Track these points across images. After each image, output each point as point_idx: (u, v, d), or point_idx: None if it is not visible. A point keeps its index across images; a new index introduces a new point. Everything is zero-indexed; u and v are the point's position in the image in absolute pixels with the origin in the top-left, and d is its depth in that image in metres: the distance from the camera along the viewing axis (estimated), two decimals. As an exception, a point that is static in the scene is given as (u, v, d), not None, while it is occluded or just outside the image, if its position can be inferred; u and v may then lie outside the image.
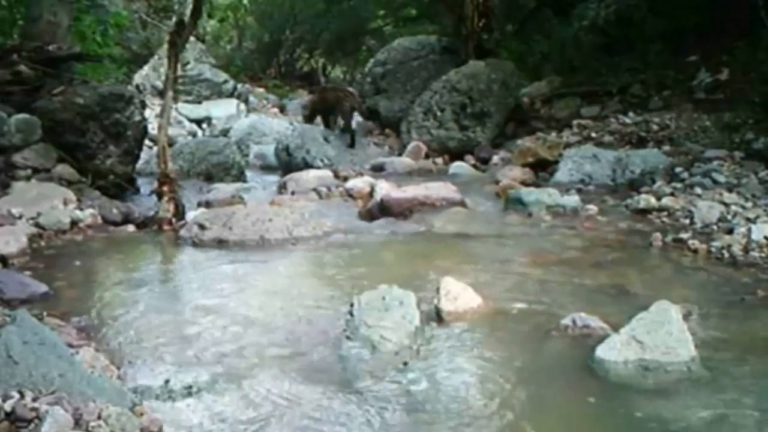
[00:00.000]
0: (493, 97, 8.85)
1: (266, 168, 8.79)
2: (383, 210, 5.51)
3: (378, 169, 7.76)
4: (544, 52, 10.28)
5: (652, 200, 5.51)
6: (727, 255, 4.33)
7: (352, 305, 3.23)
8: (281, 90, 16.88)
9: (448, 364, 2.93)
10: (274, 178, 7.89)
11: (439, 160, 8.43)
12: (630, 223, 5.23)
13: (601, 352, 2.88)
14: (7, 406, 2.13)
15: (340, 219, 5.47)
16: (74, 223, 5.13)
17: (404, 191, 5.70)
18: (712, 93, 8.25)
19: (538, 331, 3.24)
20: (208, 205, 5.95)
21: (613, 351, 2.87)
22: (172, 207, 5.32)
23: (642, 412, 2.56)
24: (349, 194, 6.39)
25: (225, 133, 10.57)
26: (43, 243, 4.77)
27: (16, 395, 2.18)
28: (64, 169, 6.04)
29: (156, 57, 13.03)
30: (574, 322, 3.20)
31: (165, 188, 5.35)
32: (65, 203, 5.34)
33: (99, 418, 2.17)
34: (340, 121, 8.66)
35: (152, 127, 7.84)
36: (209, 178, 7.64)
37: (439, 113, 8.89)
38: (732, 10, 8.00)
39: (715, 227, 4.87)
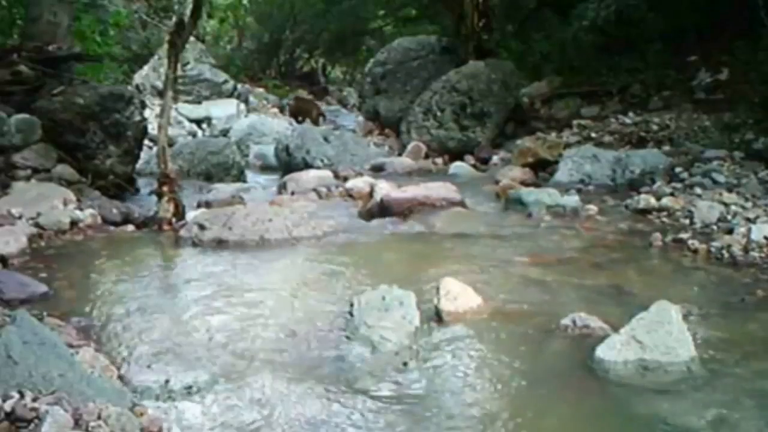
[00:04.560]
0: (493, 97, 8.85)
1: (266, 168, 8.79)
2: (383, 210, 5.51)
3: (378, 169, 7.76)
4: (544, 52, 10.30)
5: (652, 200, 5.51)
6: (727, 255, 4.33)
7: (352, 305, 3.23)
8: (281, 90, 16.88)
9: (448, 365, 2.93)
10: (274, 178, 7.89)
11: (439, 160, 8.43)
12: (630, 223, 5.22)
13: (601, 352, 2.88)
14: (7, 406, 2.13)
15: (340, 219, 5.46)
16: (74, 223, 5.11)
17: (404, 191, 5.69)
18: (712, 93, 8.26)
19: (538, 331, 3.24)
20: (208, 205, 5.95)
21: (613, 351, 2.87)
22: (172, 207, 5.31)
23: (642, 412, 2.56)
24: (349, 194, 6.38)
25: (225, 133, 10.58)
26: (43, 243, 4.76)
27: (16, 395, 2.18)
28: (64, 169, 6.04)
29: (156, 57, 13.03)
30: (574, 322, 3.20)
31: (165, 188, 5.34)
32: (65, 203, 5.34)
33: (99, 418, 2.17)
34: None
35: (152, 127, 7.84)
36: (209, 178, 7.64)
37: (439, 113, 8.90)
38: (732, 10, 8.00)
39: (714, 227, 4.87)
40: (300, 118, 11.92)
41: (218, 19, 18.90)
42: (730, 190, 5.47)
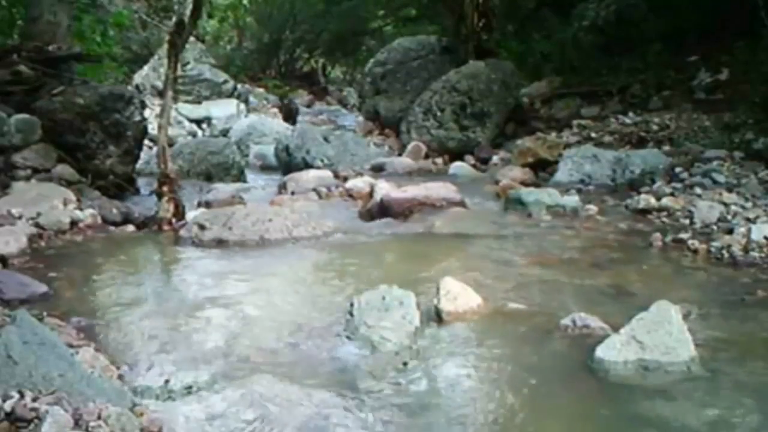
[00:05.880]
0: (493, 97, 8.85)
1: (266, 168, 8.79)
2: (383, 210, 5.51)
3: (378, 169, 7.76)
4: (544, 52, 10.32)
5: (652, 200, 5.51)
6: (727, 255, 4.33)
7: (352, 305, 3.22)
8: (281, 90, 16.90)
9: (448, 365, 2.93)
10: (274, 178, 7.89)
11: (439, 160, 8.44)
12: (630, 223, 5.23)
13: (600, 352, 2.88)
14: (7, 406, 2.13)
15: (340, 219, 5.47)
16: (74, 223, 5.12)
17: (404, 191, 5.69)
18: (712, 93, 8.27)
19: (538, 331, 3.24)
20: (208, 205, 5.95)
21: (613, 351, 2.87)
22: (172, 207, 5.31)
23: (642, 412, 2.55)
24: (349, 194, 6.39)
25: (225, 133, 10.57)
26: (43, 243, 4.76)
27: (16, 395, 2.18)
28: (64, 169, 6.04)
29: (156, 57, 13.03)
30: (574, 322, 3.20)
31: (165, 188, 5.35)
32: (65, 203, 5.34)
33: (99, 418, 2.17)
34: None
35: (152, 127, 7.84)
36: (209, 178, 7.64)
37: (439, 113, 8.90)
38: (732, 10, 8.01)
39: (714, 227, 4.87)
40: (291, 121, 11.95)
41: (218, 19, 18.92)
42: (730, 190, 5.48)
